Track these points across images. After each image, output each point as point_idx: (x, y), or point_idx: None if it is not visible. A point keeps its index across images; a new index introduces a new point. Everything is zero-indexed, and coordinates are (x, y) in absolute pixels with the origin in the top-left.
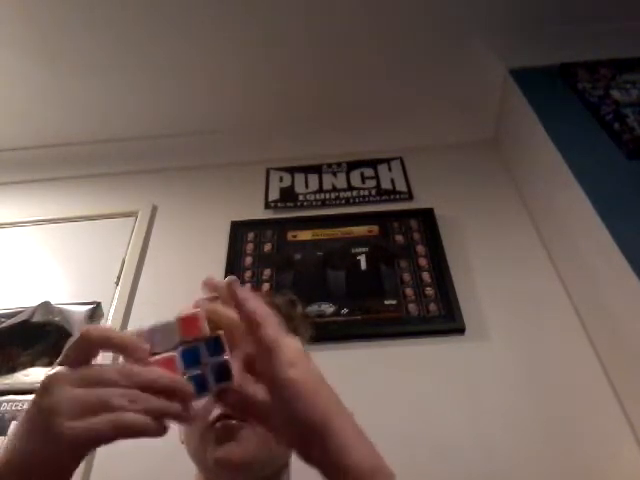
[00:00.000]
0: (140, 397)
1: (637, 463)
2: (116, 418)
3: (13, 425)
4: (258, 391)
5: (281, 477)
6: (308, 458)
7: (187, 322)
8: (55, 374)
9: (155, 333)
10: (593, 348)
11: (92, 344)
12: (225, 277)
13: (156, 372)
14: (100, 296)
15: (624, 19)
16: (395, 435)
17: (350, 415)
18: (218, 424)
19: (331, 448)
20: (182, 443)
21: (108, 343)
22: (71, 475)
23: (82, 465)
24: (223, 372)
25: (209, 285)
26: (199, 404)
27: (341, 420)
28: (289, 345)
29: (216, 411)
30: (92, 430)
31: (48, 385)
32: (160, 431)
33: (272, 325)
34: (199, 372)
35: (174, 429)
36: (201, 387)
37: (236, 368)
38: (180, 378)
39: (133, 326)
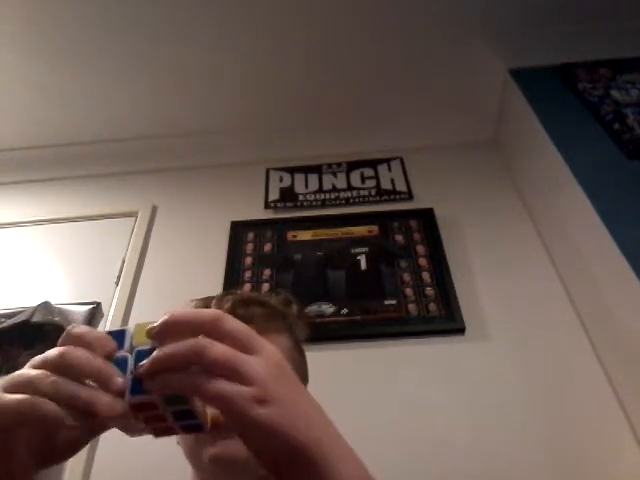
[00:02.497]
0: (65, 384)
1: (637, 463)
2: (33, 402)
3: None
4: None
5: None
6: None
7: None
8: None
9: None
10: (593, 348)
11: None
12: (225, 277)
13: (89, 361)
14: (100, 296)
15: (624, 19)
16: (395, 435)
17: (337, 435)
18: None
19: (319, 476)
20: (178, 444)
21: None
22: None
23: (82, 465)
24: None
25: (153, 335)
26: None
27: (329, 444)
28: (261, 365)
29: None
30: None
31: None
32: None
33: (238, 400)
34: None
35: None
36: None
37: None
38: (108, 365)
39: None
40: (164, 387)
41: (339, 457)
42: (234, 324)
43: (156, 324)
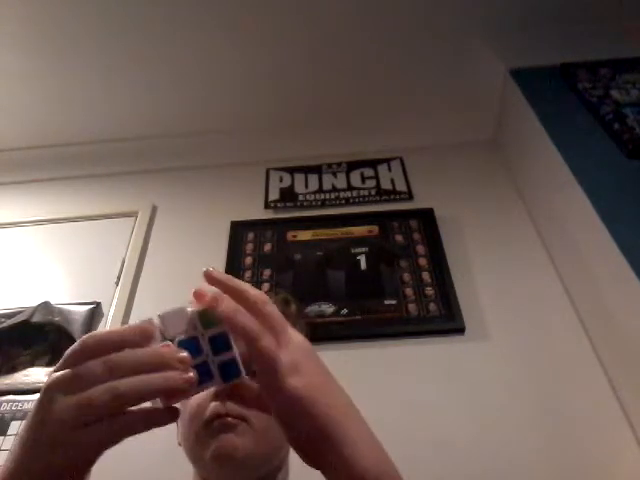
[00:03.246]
0: (133, 382)
1: (637, 463)
2: (119, 421)
3: (14, 426)
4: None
5: (276, 479)
6: (313, 463)
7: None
8: (50, 382)
9: (166, 318)
10: (593, 348)
11: (91, 352)
12: None
13: (140, 353)
14: (100, 296)
15: (624, 19)
16: (395, 435)
17: (359, 417)
18: (215, 422)
19: (337, 456)
20: (179, 445)
21: (107, 344)
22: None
23: None
24: (232, 368)
25: (209, 278)
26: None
27: (348, 425)
28: (291, 349)
29: (210, 409)
30: (99, 434)
31: (44, 395)
32: (166, 416)
33: (265, 337)
34: (204, 360)
35: (172, 430)
36: (205, 376)
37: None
38: (169, 349)
39: None
40: (235, 312)
41: (358, 438)
42: (274, 309)
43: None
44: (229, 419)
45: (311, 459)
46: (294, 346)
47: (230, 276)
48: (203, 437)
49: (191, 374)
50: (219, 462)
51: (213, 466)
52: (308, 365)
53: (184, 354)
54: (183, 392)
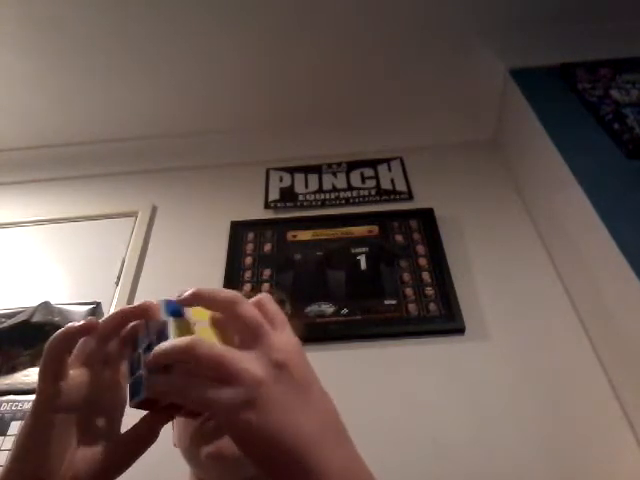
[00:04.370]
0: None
1: (637, 463)
2: None
3: (14, 427)
4: None
5: None
6: None
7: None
8: None
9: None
10: (593, 348)
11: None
12: (225, 277)
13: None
14: (100, 296)
15: (624, 19)
16: (395, 435)
17: (336, 442)
18: (210, 422)
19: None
20: (175, 446)
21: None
22: None
23: None
24: (138, 387)
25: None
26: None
27: (311, 454)
28: (252, 370)
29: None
30: None
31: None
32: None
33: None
34: (139, 374)
35: (168, 431)
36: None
37: None
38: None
39: None
40: (153, 389)
41: (328, 468)
42: (247, 309)
43: (186, 294)
44: None
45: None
46: (269, 352)
47: (199, 289)
48: (198, 438)
49: (74, 324)
50: (213, 461)
51: (209, 466)
52: (278, 386)
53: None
54: None
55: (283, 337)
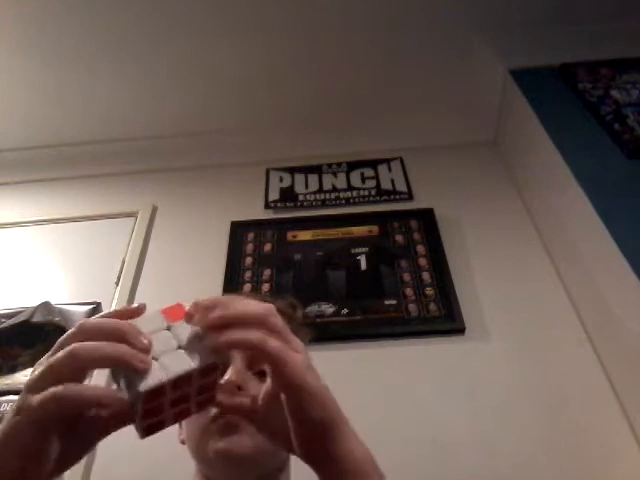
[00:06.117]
0: (88, 345)
1: (637, 463)
2: (75, 388)
3: None
4: (254, 389)
5: (279, 479)
6: (309, 457)
7: (171, 311)
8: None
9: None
10: (593, 348)
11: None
12: (225, 277)
13: (104, 321)
14: (100, 296)
15: (624, 19)
16: (395, 435)
17: (346, 420)
18: (220, 419)
19: (336, 448)
20: (181, 443)
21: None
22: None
23: (81, 466)
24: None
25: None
26: None
27: (345, 425)
28: (301, 350)
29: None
30: (55, 400)
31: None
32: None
33: (271, 340)
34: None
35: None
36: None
37: (238, 366)
38: (132, 328)
39: None
40: (232, 339)
41: (351, 434)
42: (280, 321)
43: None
44: (233, 417)
45: (312, 453)
46: (302, 347)
47: (224, 303)
48: (207, 435)
49: (145, 357)
50: (223, 459)
51: (217, 463)
52: (313, 372)
53: (145, 341)
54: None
55: (302, 344)
